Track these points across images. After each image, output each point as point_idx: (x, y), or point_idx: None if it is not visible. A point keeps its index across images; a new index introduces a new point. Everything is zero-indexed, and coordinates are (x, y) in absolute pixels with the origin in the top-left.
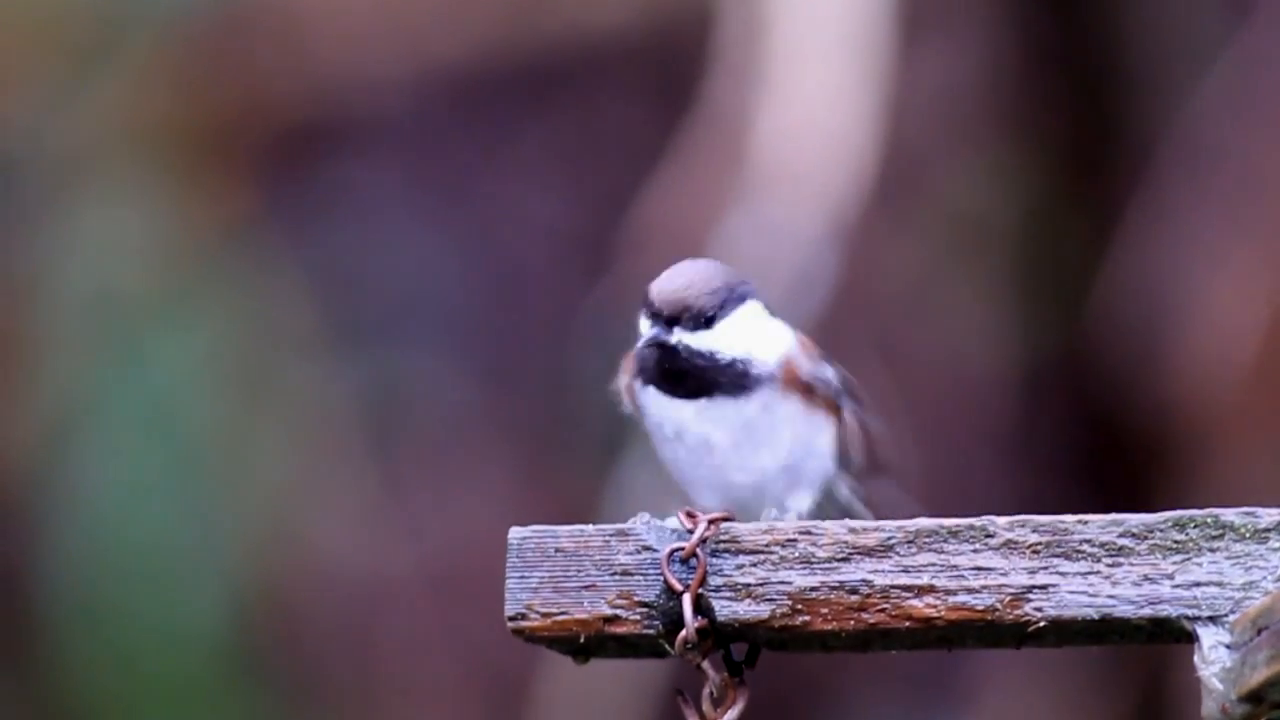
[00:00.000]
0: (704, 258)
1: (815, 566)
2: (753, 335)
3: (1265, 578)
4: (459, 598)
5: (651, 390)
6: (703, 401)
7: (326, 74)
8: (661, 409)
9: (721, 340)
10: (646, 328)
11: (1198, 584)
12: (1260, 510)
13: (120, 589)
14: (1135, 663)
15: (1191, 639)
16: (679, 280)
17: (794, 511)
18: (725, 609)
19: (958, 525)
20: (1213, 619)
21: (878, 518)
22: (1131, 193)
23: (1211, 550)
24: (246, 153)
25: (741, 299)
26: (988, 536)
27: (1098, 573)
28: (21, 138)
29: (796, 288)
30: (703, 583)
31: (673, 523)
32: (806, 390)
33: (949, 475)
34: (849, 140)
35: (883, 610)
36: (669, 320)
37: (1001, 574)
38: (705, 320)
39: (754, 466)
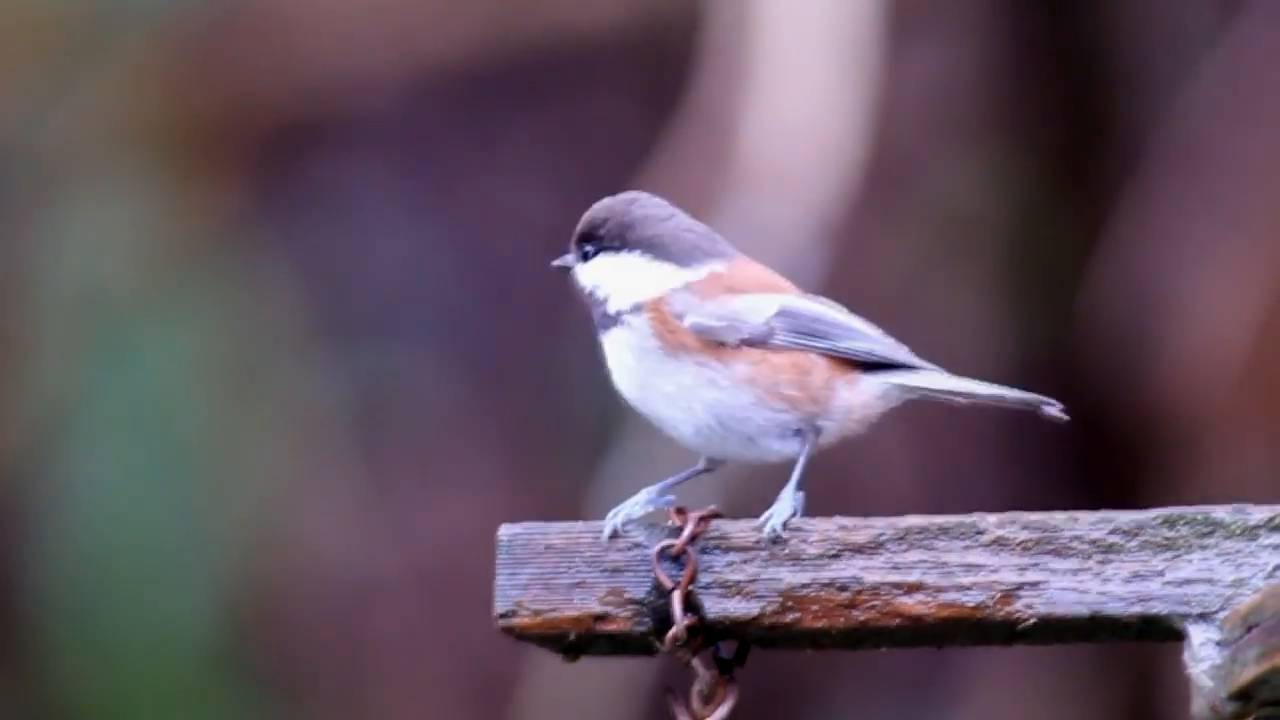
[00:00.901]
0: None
1: (805, 563)
2: (619, 277)
3: (1255, 575)
4: (448, 596)
5: None
6: (602, 334)
7: (317, 73)
8: None
9: (590, 275)
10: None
11: (1188, 581)
12: (1250, 507)
13: (109, 588)
14: (1126, 660)
15: (1181, 636)
16: (594, 208)
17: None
18: (715, 606)
19: (948, 522)
20: (1203, 616)
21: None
22: (1122, 191)
23: (1202, 547)
24: (237, 151)
25: (631, 243)
26: (978, 533)
27: (1088, 570)
28: (12, 136)
29: None
30: (693, 580)
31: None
32: (680, 334)
33: (940, 472)
34: (837, 139)
35: (873, 607)
36: (574, 247)
37: (991, 571)
38: (584, 255)
39: (660, 408)
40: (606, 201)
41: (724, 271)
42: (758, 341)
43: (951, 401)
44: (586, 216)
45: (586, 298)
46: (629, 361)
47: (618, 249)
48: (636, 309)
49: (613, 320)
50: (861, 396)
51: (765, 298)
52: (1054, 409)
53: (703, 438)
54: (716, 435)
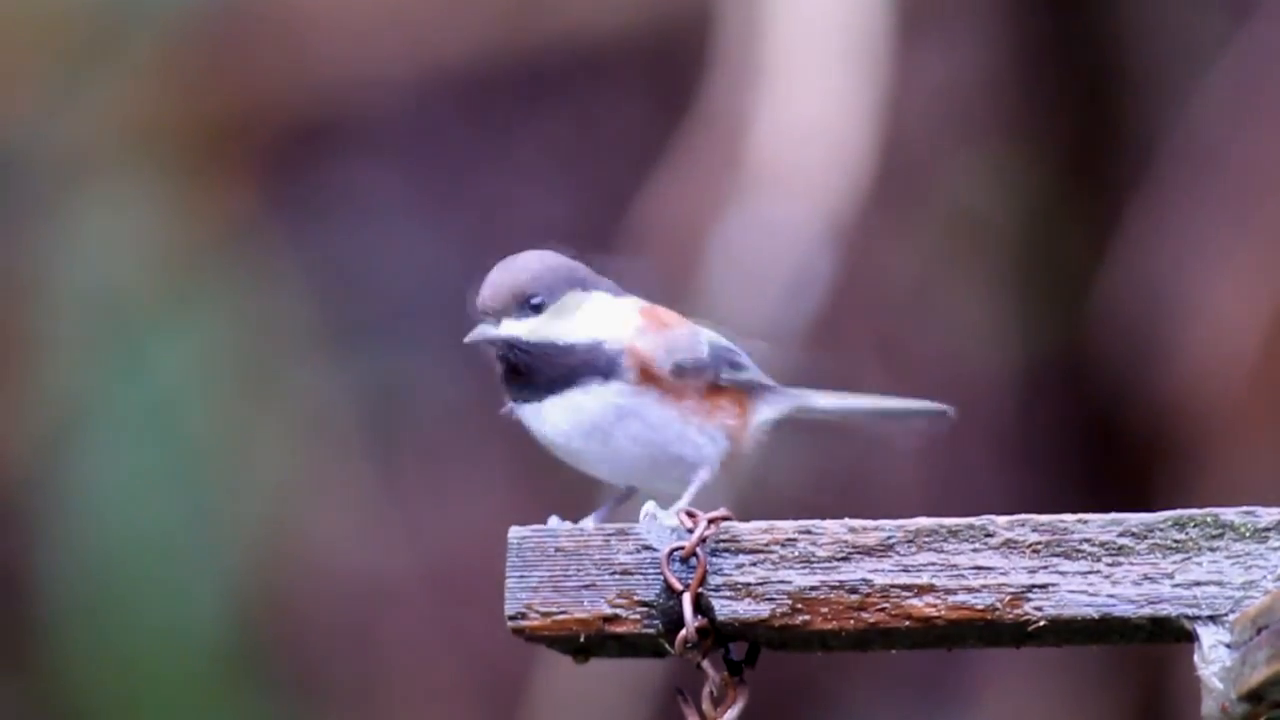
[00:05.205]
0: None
1: (815, 566)
2: (591, 319)
3: (1265, 577)
4: (459, 597)
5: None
6: (548, 399)
7: (326, 74)
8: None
9: (553, 328)
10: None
11: (1198, 583)
12: (1260, 509)
13: (120, 588)
14: (1135, 662)
15: (1191, 638)
16: (501, 272)
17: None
18: (725, 608)
19: (958, 524)
20: (1213, 618)
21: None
22: (1131, 192)
23: (1211, 550)
24: (246, 153)
25: (575, 283)
26: (987, 536)
27: (1098, 572)
28: (21, 138)
29: (795, 287)
30: (703, 582)
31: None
32: (660, 377)
33: (949, 475)
34: (848, 140)
35: (882, 610)
36: (495, 314)
37: (1001, 573)
38: (533, 307)
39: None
40: (523, 258)
41: (646, 306)
42: (702, 374)
43: (848, 420)
44: (516, 276)
45: (540, 354)
46: (592, 407)
47: (563, 295)
48: (616, 353)
49: (582, 370)
50: (760, 421)
51: (693, 329)
52: (948, 413)
53: (633, 475)
54: (646, 470)
